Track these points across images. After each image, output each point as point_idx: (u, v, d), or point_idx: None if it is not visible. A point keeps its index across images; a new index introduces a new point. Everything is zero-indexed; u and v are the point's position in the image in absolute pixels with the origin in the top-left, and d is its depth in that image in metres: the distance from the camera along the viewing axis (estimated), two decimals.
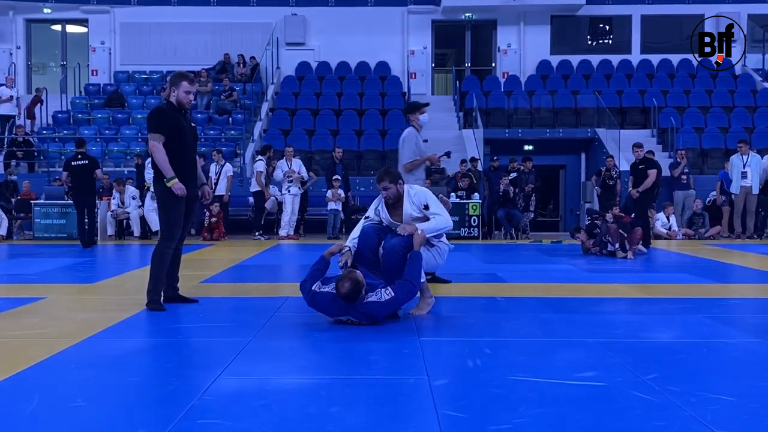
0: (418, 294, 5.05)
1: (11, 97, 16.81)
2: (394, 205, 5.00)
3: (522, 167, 14.35)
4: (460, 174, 14.07)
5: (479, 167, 14.46)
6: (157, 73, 19.43)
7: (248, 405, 2.86)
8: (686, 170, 14.23)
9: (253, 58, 19.23)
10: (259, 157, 13.33)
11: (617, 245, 9.35)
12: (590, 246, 9.76)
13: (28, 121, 17.37)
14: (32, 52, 20.70)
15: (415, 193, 5.00)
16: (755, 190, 13.17)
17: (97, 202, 12.37)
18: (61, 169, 12.81)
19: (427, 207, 4.97)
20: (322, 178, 14.24)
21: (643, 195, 10.95)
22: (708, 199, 14.18)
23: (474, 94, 17.51)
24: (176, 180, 5.13)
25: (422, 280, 4.96)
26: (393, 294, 4.52)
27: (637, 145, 11.53)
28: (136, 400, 3.02)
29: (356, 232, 5.06)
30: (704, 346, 4.02)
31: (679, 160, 14.23)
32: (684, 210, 14.14)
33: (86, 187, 11.62)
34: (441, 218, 4.94)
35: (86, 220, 11.62)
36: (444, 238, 5.18)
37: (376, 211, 5.09)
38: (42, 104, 17.79)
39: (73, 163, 11.63)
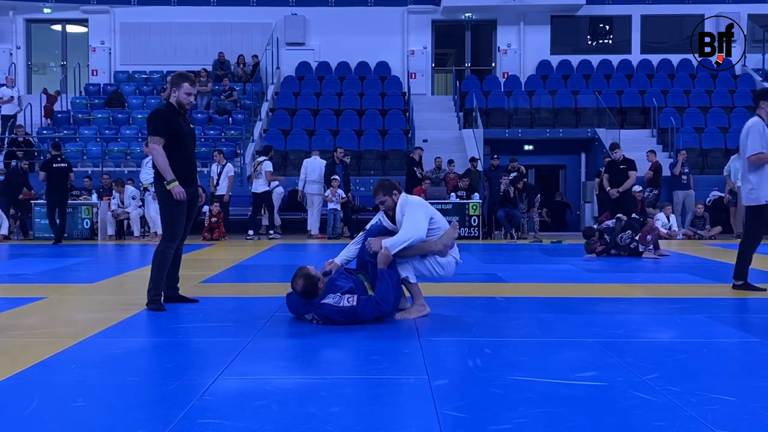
0: (407, 294, 5.02)
1: (12, 97, 16.85)
2: (394, 216, 4.96)
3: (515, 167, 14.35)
4: (455, 176, 14.05)
5: (479, 167, 14.46)
6: (157, 73, 19.43)
7: (248, 405, 2.86)
8: (686, 170, 14.24)
9: (255, 56, 19.25)
10: (263, 157, 13.38)
11: (651, 247, 9.36)
12: (596, 248, 9.60)
13: (45, 120, 17.71)
14: (32, 52, 20.71)
15: (403, 202, 4.88)
16: None
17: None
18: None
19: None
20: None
21: (624, 195, 11.08)
22: (708, 198, 14.18)
23: (474, 94, 17.52)
24: (176, 183, 5.14)
25: (413, 281, 4.87)
26: (354, 304, 4.50)
27: (614, 147, 11.64)
28: (136, 400, 3.02)
29: (350, 245, 5.09)
30: (704, 346, 4.02)
31: (678, 158, 14.23)
32: (684, 210, 14.14)
33: (62, 188, 12.42)
34: (404, 231, 4.74)
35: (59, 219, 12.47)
36: (454, 251, 4.99)
37: (379, 219, 5.08)
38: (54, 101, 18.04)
39: (53, 165, 12.37)
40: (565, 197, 17.88)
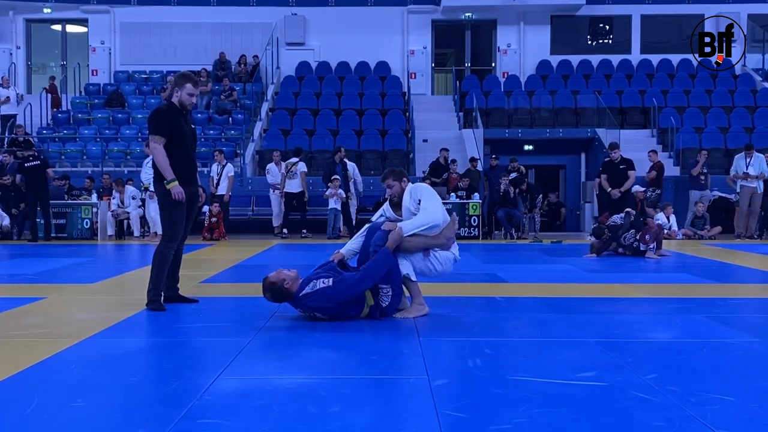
0: (407, 295, 4.99)
1: (8, 97, 16.83)
2: (399, 203, 5.00)
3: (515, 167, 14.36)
4: (456, 176, 14.05)
5: (479, 167, 14.47)
6: (157, 73, 19.43)
7: (248, 405, 2.86)
8: (705, 170, 14.15)
9: (256, 56, 19.26)
10: (296, 158, 13.64)
11: (651, 246, 9.32)
12: (600, 247, 9.55)
13: (53, 111, 17.93)
14: (32, 52, 20.71)
15: (414, 188, 4.95)
16: (760, 189, 13.20)
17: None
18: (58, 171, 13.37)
19: (420, 202, 4.87)
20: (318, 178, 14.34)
21: (624, 195, 11.14)
22: (708, 198, 14.16)
23: (474, 94, 17.51)
24: (176, 183, 5.13)
25: (414, 279, 4.83)
26: (329, 284, 4.54)
27: (613, 146, 11.64)
28: (135, 400, 3.02)
29: (355, 237, 5.11)
30: (704, 346, 4.02)
31: (698, 159, 14.15)
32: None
33: (40, 185, 12.58)
34: (424, 215, 4.77)
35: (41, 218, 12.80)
36: (454, 248, 4.99)
37: (383, 210, 5.11)
38: (55, 93, 18.21)
39: (26, 164, 12.60)
40: (559, 197, 17.75)
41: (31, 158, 12.75)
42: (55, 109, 18.02)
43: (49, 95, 18.12)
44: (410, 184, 5.02)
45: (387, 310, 4.75)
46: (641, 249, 9.37)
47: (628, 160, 11.46)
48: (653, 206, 13.63)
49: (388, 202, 5.09)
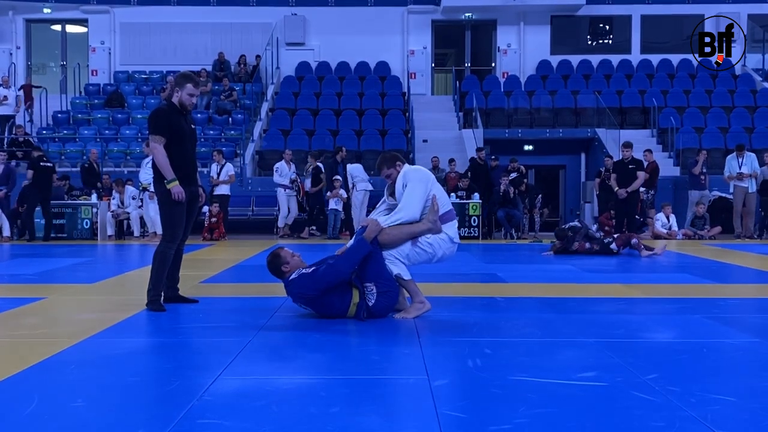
0: (406, 295, 4.96)
1: (5, 96, 16.80)
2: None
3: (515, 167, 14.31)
4: (455, 175, 14.03)
5: None
6: (157, 73, 19.44)
7: (248, 405, 2.86)
8: (704, 170, 14.14)
9: (258, 56, 19.27)
10: (313, 161, 13.90)
11: (624, 249, 9.45)
12: (559, 247, 9.71)
13: (28, 113, 17.80)
14: (32, 52, 20.72)
15: (406, 173, 4.83)
16: (752, 189, 13.21)
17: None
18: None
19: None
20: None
21: (631, 195, 11.16)
22: (708, 198, 14.17)
23: (474, 94, 17.52)
24: (176, 183, 5.13)
25: (407, 278, 4.74)
26: (309, 272, 4.62)
27: (627, 145, 11.64)
28: (135, 400, 3.02)
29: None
30: (704, 346, 4.02)
31: (697, 159, 14.14)
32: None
33: (47, 186, 12.82)
34: (399, 209, 4.73)
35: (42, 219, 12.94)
36: (450, 229, 4.85)
37: (384, 198, 5.06)
38: (34, 89, 18.18)
39: (40, 163, 12.83)
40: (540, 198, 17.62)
41: (44, 158, 13.06)
42: (25, 106, 17.86)
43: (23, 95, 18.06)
44: (405, 166, 4.91)
45: (374, 311, 4.65)
46: (611, 248, 9.45)
47: (638, 161, 11.51)
48: (650, 207, 13.64)
49: (386, 189, 5.01)
